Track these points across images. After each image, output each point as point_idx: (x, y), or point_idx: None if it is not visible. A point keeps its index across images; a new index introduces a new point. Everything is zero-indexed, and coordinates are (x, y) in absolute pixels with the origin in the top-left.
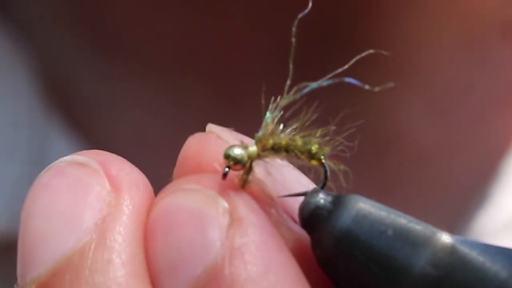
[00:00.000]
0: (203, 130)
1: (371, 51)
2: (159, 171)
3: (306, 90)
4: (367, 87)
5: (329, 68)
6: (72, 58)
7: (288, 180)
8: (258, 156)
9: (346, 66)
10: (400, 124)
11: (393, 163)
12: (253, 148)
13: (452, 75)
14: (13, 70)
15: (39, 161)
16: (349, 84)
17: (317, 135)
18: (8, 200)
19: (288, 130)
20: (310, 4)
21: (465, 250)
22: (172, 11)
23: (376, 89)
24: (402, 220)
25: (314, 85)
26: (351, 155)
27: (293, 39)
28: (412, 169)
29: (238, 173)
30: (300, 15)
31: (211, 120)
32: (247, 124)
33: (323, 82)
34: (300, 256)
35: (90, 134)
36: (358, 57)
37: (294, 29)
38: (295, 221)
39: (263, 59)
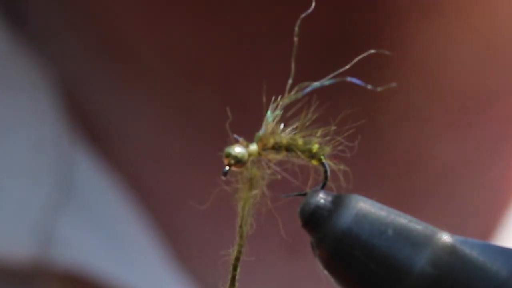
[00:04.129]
0: (213, 138)
1: (372, 51)
2: (173, 187)
3: (308, 89)
4: (369, 86)
5: (343, 72)
6: (88, 76)
7: None
8: (259, 155)
9: (348, 66)
10: (423, 142)
11: (415, 183)
12: (253, 147)
13: (473, 90)
14: (36, 92)
15: (65, 186)
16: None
17: (318, 134)
18: (35, 226)
19: (289, 130)
20: (313, 4)
21: (465, 249)
22: (180, 23)
23: (379, 89)
24: (403, 219)
25: (316, 84)
26: (374, 176)
27: (296, 38)
28: (435, 189)
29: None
30: (303, 15)
31: (221, 129)
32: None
33: (325, 81)
34: None
35: (111, 153)
36: (359, 57)
37: (296, 28)
38: None
39: (272, 66)
